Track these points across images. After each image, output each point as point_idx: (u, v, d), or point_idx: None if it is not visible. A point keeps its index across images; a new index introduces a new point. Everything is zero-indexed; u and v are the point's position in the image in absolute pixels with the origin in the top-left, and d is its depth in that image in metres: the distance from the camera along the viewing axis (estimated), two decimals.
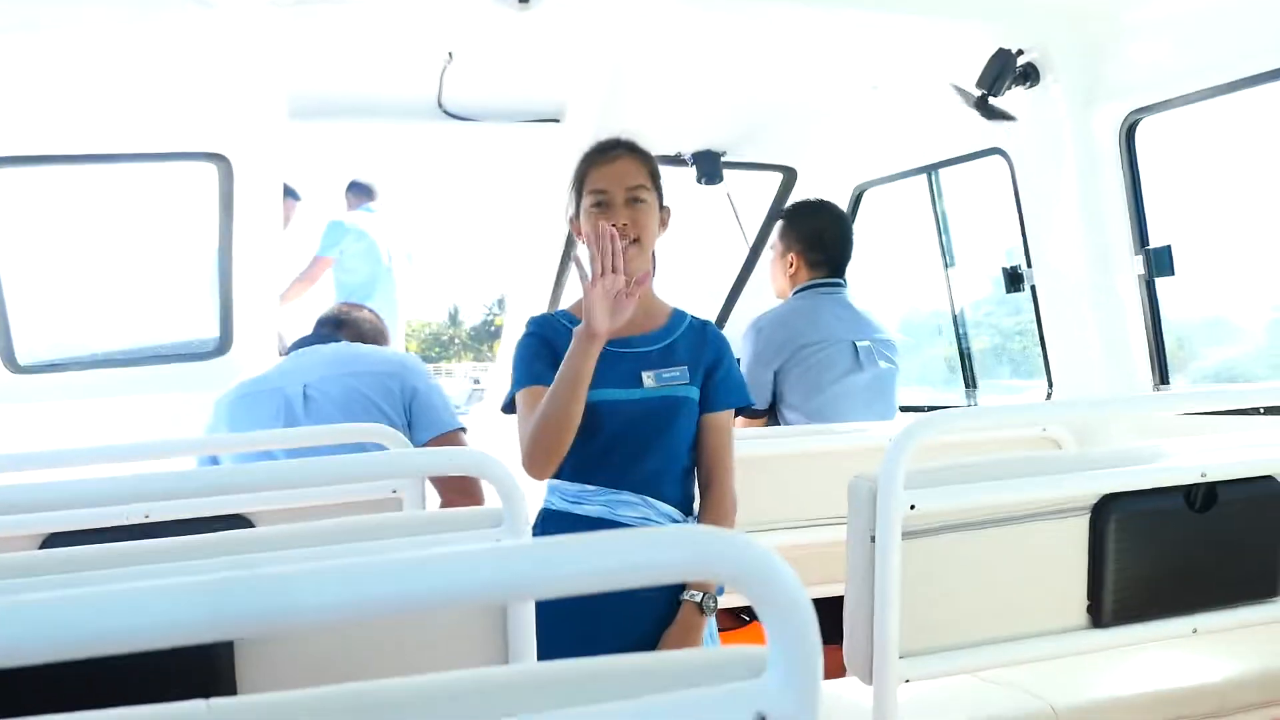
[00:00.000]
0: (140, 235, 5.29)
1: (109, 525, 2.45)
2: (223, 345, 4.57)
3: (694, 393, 2.69)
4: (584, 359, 2.46)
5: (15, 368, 4.29)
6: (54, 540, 2.44)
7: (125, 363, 4.63)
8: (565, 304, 3.18)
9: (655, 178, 2.70)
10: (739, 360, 4.05)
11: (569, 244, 4.77)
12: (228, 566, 1.74)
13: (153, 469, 2.90)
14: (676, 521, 2.65)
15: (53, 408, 4.22)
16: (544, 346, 2.65)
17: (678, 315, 2.78)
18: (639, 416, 2.62)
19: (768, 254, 4.35)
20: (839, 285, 4.08)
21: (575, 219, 2.73)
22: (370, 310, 3.81)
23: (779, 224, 4.22)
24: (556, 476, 2.60)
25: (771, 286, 4.30)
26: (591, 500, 2.60)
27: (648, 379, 2.65)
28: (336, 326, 3.62)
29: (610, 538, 0.89)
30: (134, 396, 4.36)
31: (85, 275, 5.26)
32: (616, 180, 2.63)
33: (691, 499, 2.71)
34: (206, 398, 4.07)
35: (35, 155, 4.21)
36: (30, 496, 1.90)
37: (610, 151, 2.68)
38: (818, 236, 4.09)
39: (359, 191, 7.03)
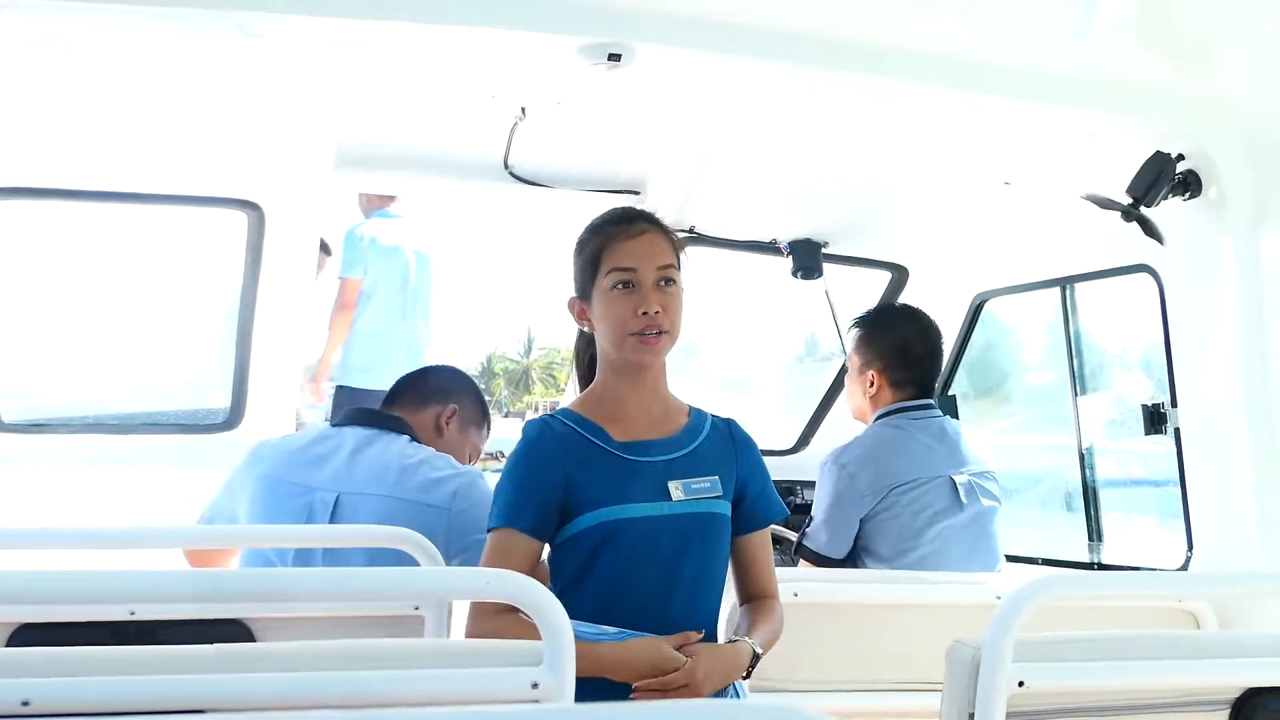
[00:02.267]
0: (150, 286, 5.39)
1: (90, 620, 2.48)
2: (233, 418, 4.62)
3: (726, 508, 2.70)
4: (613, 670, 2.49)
5: None
6: (24, 632, 2.48)
7: (122, 429, 4.71)
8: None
9: (679, 256, 2.71)
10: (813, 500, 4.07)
11: None
12: (224, 686, 1.76)
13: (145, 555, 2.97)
14: None
15: (36, 473, 4.28)
16: (537, 471, 2.63)
17: (697, 415, 2.79)
18: (666, 535, 2.61)
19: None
20: (929, 407, 4.07)
21: (581, 300, 2.73)
22: (445, 369, 3.77)
23: (856, 333, 4.21)
24: (571, 610, 2.60)
25: (848, 405, 4.29)
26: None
27: (675, 490, 2.65)
28: (392, 399, 3.59)
29: (670, 712, 0.90)
30: (129, 467, 4.41)
31: (83, 327, 5.36)
32: (645, 257, 2.63)
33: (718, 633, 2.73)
34: (209, 475, 4.12)
35: (43, 189, 4.32)
36: (1, 585, 1.93)
37: (634, 224, 2.68)
38: (903, 350, 4.07)
39: (376, 195, 7.01)
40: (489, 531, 2.63)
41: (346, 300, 6.90)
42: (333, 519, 3.20)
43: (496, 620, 2.43)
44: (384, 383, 6.76)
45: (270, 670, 1.82)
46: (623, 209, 2.77)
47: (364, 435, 3.36)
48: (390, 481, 3.24)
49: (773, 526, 2.85)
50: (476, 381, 3.84)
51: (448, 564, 3.16)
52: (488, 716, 0.88)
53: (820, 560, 3.90)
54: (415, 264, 7.01)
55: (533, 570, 2.55)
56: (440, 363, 3.86)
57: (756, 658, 2.58)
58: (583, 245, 2.71)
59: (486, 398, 3.88)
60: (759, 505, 2.75)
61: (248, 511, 3.31)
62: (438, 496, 3.21)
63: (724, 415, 2.85)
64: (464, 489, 3.23)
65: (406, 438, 3.38)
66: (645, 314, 2.59)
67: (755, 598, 2.75)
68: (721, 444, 2.76)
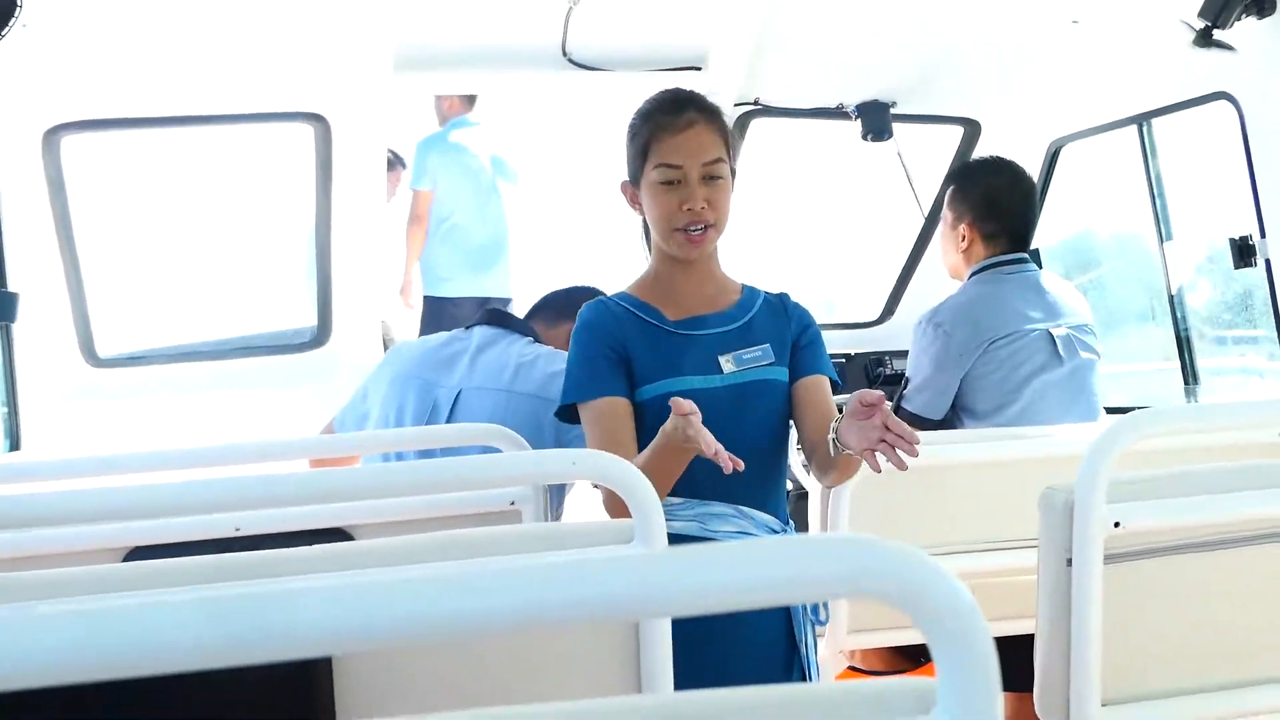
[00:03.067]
0: (228, 211, 5.45)
1: (197, 539, 2.55)
2: (321, 335, 4.68)
3: (781, 373, 2.74)
4: (678, 462, 2.48)
5: (95, 361, 4.45)
6: (137, 554, 2.55)
7: (214, 356, 4.79)
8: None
9: (729, 143, 2.72)
10: (910, 363, 4.04)
11: None
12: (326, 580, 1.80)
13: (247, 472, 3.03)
14: (777, 533, 2.68)
15: (135, 405, 4.38)
16: (605, 344, 2.68)
17: (750, 291, 2.83)
18: (720, 406, 2.64)
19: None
20: (1024, 261, 4.00)
21: (632, 185, 2.75)
22: (586, 289, 3.73)
23: (949, 189, 4.15)
24: None
25: (945, 263, 4.24)
26: (679, 515, 2.62)
27: (726, 362, 2.70)
28: (531, 315, 3.69)
29: (755, 548, 0.91)
30: (224, 392, 4.50)
31: (168, 258, 5.45)
32: (692, 154, 2.64)
33: (787, 505, 2.77)
34: (303, 393, 4.19)
35: (114, 119, 4.36)
36: (109, 504, 1.98)
37: (682, 114, 2.67)
38: (994, 201, 4.00)
39: (453, 100, 6.99)
40: (578, 406, 2.68)
41: (419, 212, 6.94)
42: (453, 414, 3.33)
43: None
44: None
45: (370, 566, 1.86)
46: (673, 93, 2.75)
47: (489, 334, 3.48)
48: (507, 378, 3.35)
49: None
50: None
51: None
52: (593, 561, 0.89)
53: (919, 423, 3.86)
54: (492, 167, 7.01)
55: (634, 426, 2.64)
56: (581, 284, 3.86)
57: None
58: (633, 132, 2.73)
59: None
60: (806, 355, 2.78)
61: (379, 409, 3.45)
62: (554, 391, 3.24)
63: (776, 291, 2.88)
64: None
65: (529, 339, 3.48)
66: (689, 210, 2.62)
67: (816, 444, 2.73)
68: (775, 315, 2.80)
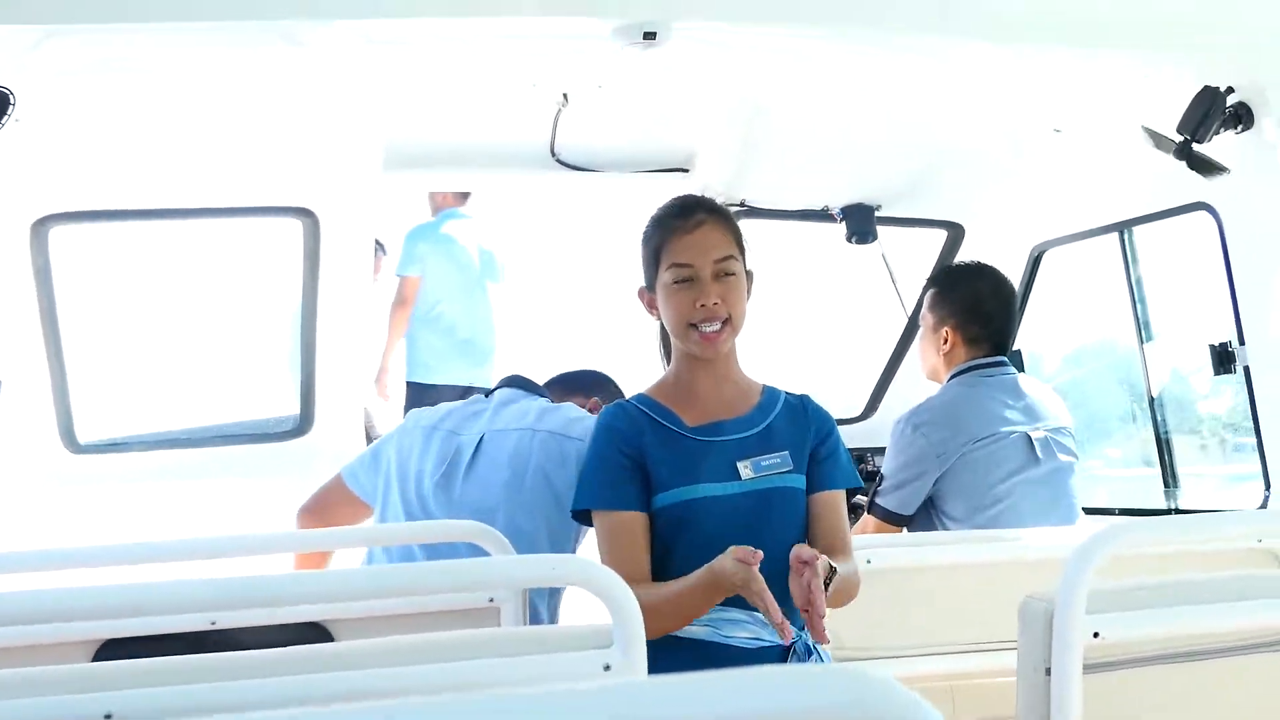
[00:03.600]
0: (213, 301, 5.46)
1: (171, 632, 2.52)
2: (303, 424, 4.67)
3: (799, 481, 2.73)
4: (709, 601, 2.49)
5: (75, 447, 4.44)
6: (109, 648, 2.53)
7: (195, 443, 4.77)
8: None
9: (741, 244, 2.75)
10: (884, 460, 4.05)
11: None
12: (304, 687, 1.79)
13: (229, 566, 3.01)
14: (792, 641, 2.64)
15: (114, 491, 4.36)
16: (622, 450, 2.68)
17: (770, 393, 2.83)
18: (739, 513, 2.64)
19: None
20: (1003, 364, 4.04)
21: (649, 291, 2.78)
22: (596, 373, 3.90)
23: (930, 292, 4.19)
24: None
25: (922, 365, 4.27)
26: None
27: (744, 469, 2.69)
28: (552, 385, 3.75)
29: (739, 679, 0.90)
30: (204, 480, 4.48)
31: (150, 345, 5.44)
32: (702, 252, 2.67)
33: None
34: (284, 482, 4.17)
35: (103, 210, 4.38)
36: (83, 602, 1.97)
37: (692, 216, 2.71)
38: (977, 306, 4.05)
39: (446, 194, 7.05)
40: (592, 514, 2.68)
41: (404, 297, 6.98)
42: (475, 456, 3.33)
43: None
44: (455, 377, 6.89)
45: (346, 669, 1.84)
46: (682, 199, 2.80)
47: (510, 393, 3.53)
48: (531, 419, 3.38)
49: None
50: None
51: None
52: (559, 695, 0.88)
53: (890, 518, 3.91)
54: (479, 259, 7.05)
55: (647, 540, 2.64)
56: (587, 368, 3.96)
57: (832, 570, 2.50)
58: (646, 238, 2.77)
59: None
60: (824, 468, 2.77)
61: (398, 455, 3.45)
62: (578, 430, 3.31)
63: (798, 392, 2.88)
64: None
65: (548, 400, 3.54)
66: (703, 306, 2.65)
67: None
68: (795, 419, 2.79)
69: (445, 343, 7.04)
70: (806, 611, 2.32)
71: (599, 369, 3.94)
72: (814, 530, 2.75)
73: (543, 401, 3.49)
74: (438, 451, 3.38)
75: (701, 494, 2.64)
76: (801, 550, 2.35)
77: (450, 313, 7.03)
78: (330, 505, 3.50)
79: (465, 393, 6.67)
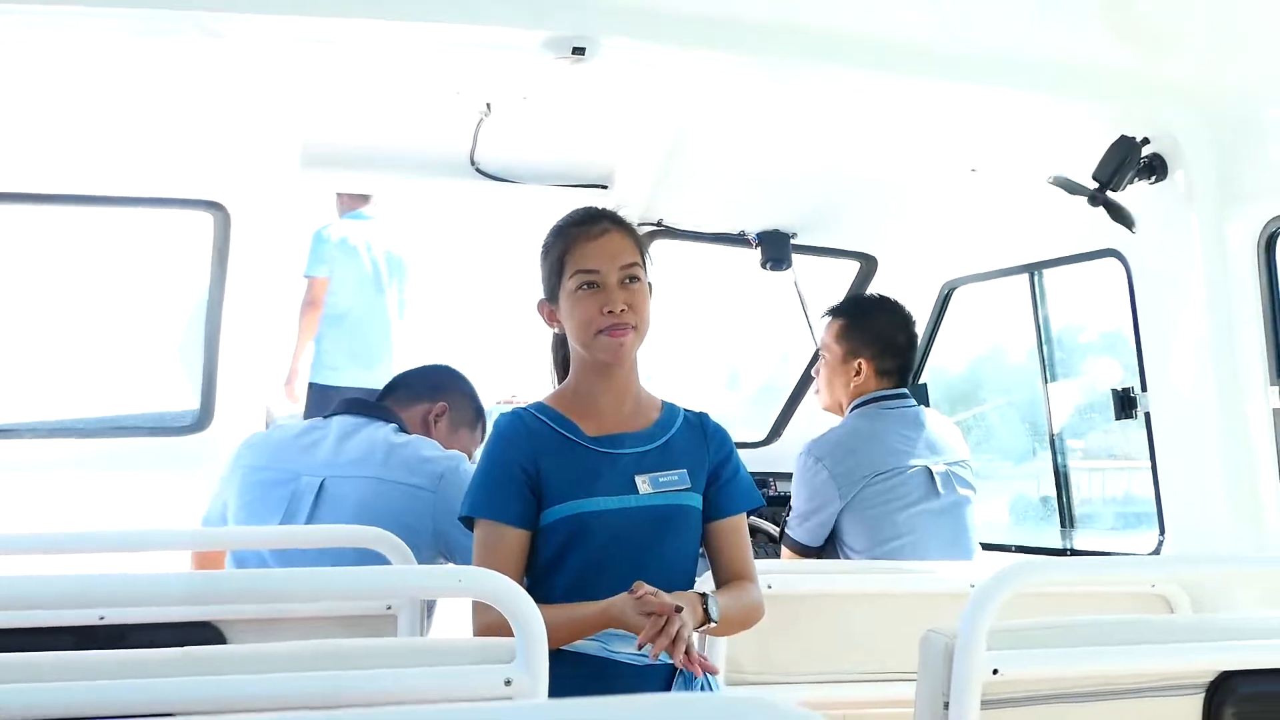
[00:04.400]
0: (114, 291, 5.35)
1: (58, 625, 2.46)
2: (202, 419, 4.60)
3: (695, 500, 2.71)
4: (595, 630, 2.50)
5: None
6: None
7: (88, 433, 4.67)
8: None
9: (643, 253, 2.74)
10: (790, 491, 4.07)
11: None
12: (192, 689, 1.75)
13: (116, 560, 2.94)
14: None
15: (1, 480, 4.25)
16: (515, 461, 2.64)
17: (669, 409, 2.81)
18: (633, 528, 2.62)
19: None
20: (903, 396, 4.07)
21: (550, 302, 2.75)
22: (441, 368, 3.75)
23: (835, 323, 4.19)
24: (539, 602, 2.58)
25: (822, 395, 4.27)
26: None
27: (642, 484, 2.67)
28: (384, 395, 3.61)
29: (647, 706, 0.89)
30: (98, 472, 4.38)
31: (46, 331, 5.32)
32: (608, 258, 2.65)
33: None
34: (181, 477, 4.09)
35: (2, 193, 4.28)
36: None
37: (596, 225, 2.70)
38: (891, 339, 4.08)
39: (352, 196, 6.96)
40: (472, 523, 2.63)
41: (312, 299, 6.91)
42: (316, 504, 3.19)
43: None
44: (356, 380, 6.82)
45: (239, 672, 1.80)
46: (585, 209, 2.78)
47: (351, 423, 3.37)
48: (376, 463, 3.24)
49: (751, 518, 2.85)
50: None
51: (434, 546, 3.15)
52: (461, 714, 0.86)
53: (802, 550, 3.93)
54: (385, 262, 7.00)
55: (523, 557, 2.59)
56: (433, 361, 3.82)
57: (706, 599, 2.54)
58: (547, 249, 2.74)
59: None
60: (725, 493, 2.76)
61: (235, 503, 3.30)
62: (423, 478, 3.21)
63: (697, 410, 2.86)
64: (450, 471, 3.23)
65: (394, 426, 3.37)
66: (610, 312, 2.62)
67: (728, 582, 2.74)
68: (693, 437, 2.77)
69: (348, 345, 6.97)
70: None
71: (444, 364, 3.78)
72: (718, 557, 2.75)
73: (387, 431, 3.33)
74: (271, 502, 3.23)
75: (597, 507, 2.61)
76: (663, 603, 2.37)
77: (353, 315, 6.97)
78: (206, 561, 3.39)
79: (366, 395, 6.65)
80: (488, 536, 2.60)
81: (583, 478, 2.63)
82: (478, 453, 3.52)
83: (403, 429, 3.39)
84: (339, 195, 7.00)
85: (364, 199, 6.97)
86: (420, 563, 2.91)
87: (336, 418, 3.40)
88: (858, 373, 4.06)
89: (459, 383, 3.69)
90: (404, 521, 3.08)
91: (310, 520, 3.17)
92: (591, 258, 2.65)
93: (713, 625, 2.55)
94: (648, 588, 2.43)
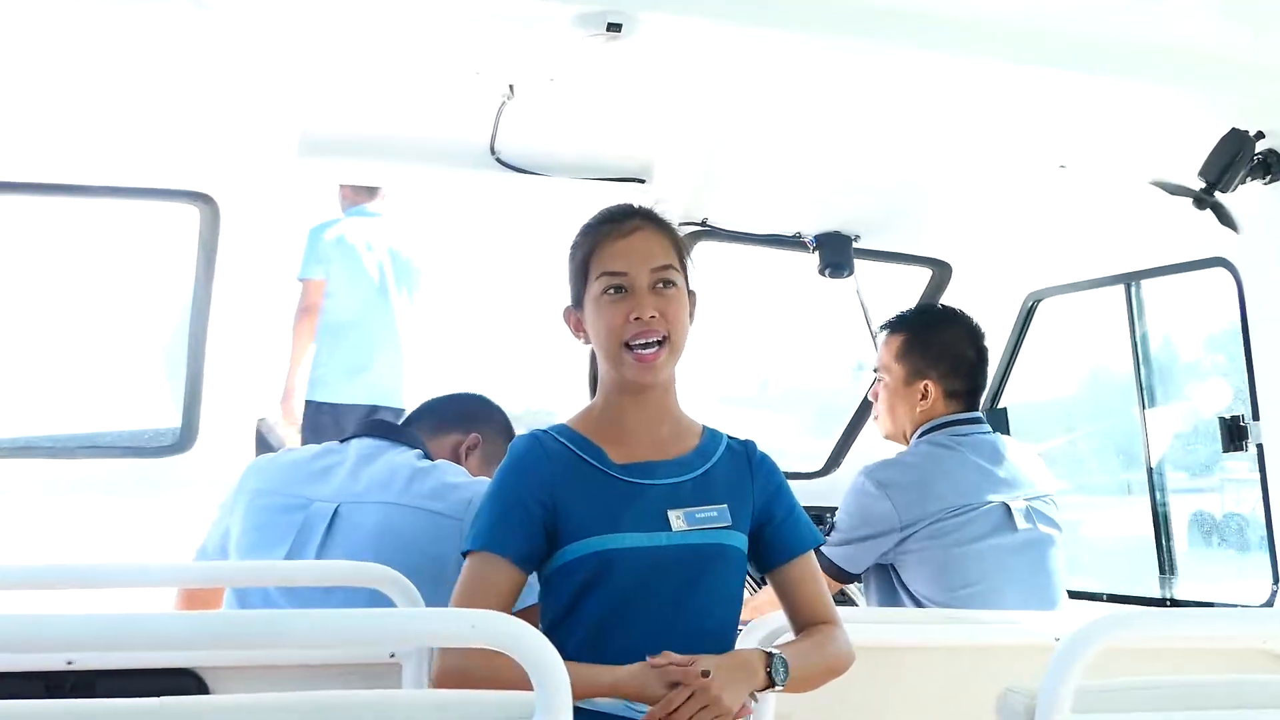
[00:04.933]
0: (89, 293, 5.38)
1: (21, 670, 2.48)
2: (185, 439, 4.61)
3: (738, 539, 2.69)
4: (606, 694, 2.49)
5: None
6: None
7: (59, 454, 4.69)
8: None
9: (684, 256, 2.73)
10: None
11: None
12: None
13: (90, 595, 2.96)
14: None
15: None
16: (529, 493, 2.62)
17: (711, 436, 2.80)
18: (665, 570, 2.61)
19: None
20: (978, 421, 4.05)
21: (576, 309, 2.74)
22: (475, 397, 3.75)
23: (895, 339, 4.18)
24: (560, 650, 2.55)
25: (882, 422, 4.25)
26: None
27: (676, 520, 2.64)
28: (411, 421, 3.63)
29: None
30: (68, 497, 4.40)
31: (13, 337, 5.36)
32: (638, 259, 2.64)
33: None
34: (161, 502, 4.11)
35: None
36: None
37: (626, 222, 2.69)
38: (959, 356, 4.06)
39: (357, 189, 7.01)
40: (465, 555, 2.63)
41: (308, 304, 6.90)
42: (329, 533, 3.19)
43: (470, 655, 2.42)
44: (354, 395, 6.84)
45: None
46: (618, 206, 2.78)
47: (371, 445, 3.38)
48: (397, 489, 3.24)
49: None
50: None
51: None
52: None
53: (834, 572, 3.90)
54: (390, 264, 7.00)
55: (512, 601, 2.57)
56: (466, 390, 3.81)
57: (770, 658, 2.53)
58: (574, 250, 2.74)
59: None
60: (787, 531, 2.76)
61: (239, 530, 3.31)
62: (451, 505, 3.19)
63: (742, 436, 2.85)
64: (479, 497, 3.18)
65: (418, 452, 3.38)
66: (638, 319, 2.60)
67: (807, 627, 2.74)
68: (737, 468, 2.77)
69: (347, 358, 6.97)
70: None
71: (479, 392, 3.78)
72: (792, 604, 2.75)
73: (410, 456, 3.34)
74: (280, 530, 3.23)
75: (623, 545, 2.59)
76: (687, 672, 2.41)
77: (353, 322, 6.97)
78: (195, 597, 3.39)
79: (370, 412, 6.66)
80: (478, 570, 2.59)
81: (607, 511, 2.62)
82: None
83: (427, 456, 3.39)
84: (342, 188, 6.99)
85: (370, 193, 6.96)
86: (443, 599, 2.93)
87: (355, 440, 3.42)
88: (923, 395, 4.04)
89: (494, 414, 3.70)
90: (428, 551, 3.09)
91: (322, 551, 3.18)
92: (619, 258, 2.64)
93: (778, 689, 2.53)
94: (674, 656, 2.43)
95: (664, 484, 2.68)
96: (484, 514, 2.65)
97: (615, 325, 2.62)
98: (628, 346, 2.62)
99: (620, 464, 2.68)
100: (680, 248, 2.73)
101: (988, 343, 4.21)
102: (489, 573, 2.58)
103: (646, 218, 2.72)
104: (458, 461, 3.50)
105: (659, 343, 2.62)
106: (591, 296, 2.67)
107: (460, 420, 3.61)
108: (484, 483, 3.23)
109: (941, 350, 4.07)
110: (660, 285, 2.64)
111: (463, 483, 3.26)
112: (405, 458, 3.33)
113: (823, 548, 3.89)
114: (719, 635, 2.65)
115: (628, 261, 2.64)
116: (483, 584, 2.57)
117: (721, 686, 2.41)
